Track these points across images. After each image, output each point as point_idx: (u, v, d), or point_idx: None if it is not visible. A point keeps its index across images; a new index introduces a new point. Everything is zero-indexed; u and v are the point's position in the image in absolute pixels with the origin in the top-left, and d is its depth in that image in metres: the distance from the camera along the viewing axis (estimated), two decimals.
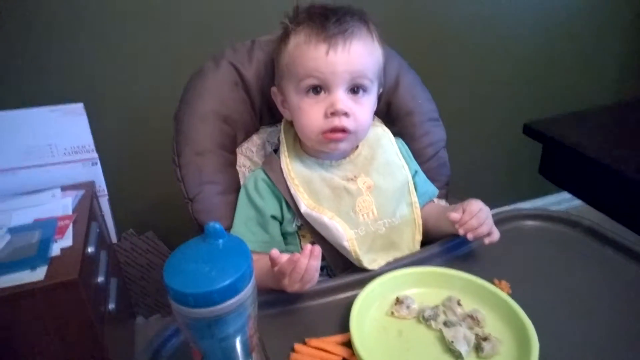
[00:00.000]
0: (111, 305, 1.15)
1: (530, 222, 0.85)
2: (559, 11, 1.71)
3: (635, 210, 0.96)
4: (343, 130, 0.75)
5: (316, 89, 0.75)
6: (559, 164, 1.11)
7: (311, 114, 0.75)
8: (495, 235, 0.74)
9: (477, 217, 0.72)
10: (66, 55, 1.26)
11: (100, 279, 1.10)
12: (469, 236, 0.72)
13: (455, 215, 0.72)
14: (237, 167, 0.89)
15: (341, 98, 0.73)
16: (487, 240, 0.73)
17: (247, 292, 0.48)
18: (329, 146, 0.77)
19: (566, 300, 0.67)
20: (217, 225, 0.50)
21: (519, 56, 1.75)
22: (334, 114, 0.74)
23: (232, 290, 0.47)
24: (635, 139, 1.08)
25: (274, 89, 0.84)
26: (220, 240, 0.50)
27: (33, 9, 1.18)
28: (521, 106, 1.83)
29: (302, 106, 0.76)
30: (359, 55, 0.73)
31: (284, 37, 0.78)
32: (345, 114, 0.74)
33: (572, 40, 1.80)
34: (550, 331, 0.59)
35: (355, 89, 0.75)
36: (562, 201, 2.06)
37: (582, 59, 1.86)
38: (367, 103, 0.78)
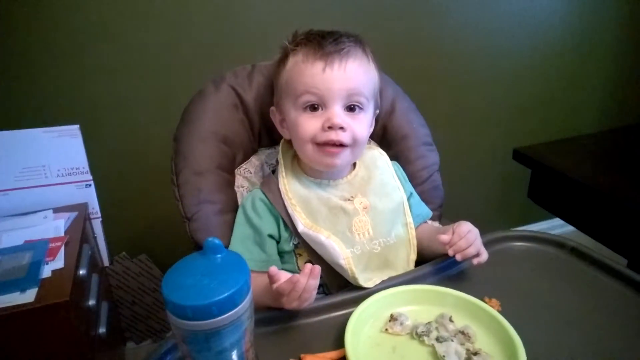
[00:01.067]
0: (102, 330, 1.13)
1: (518, 244, 0.87)
2: (549, 42, 1.79)
3: (619, 232, 0.99)
4: (340, 144, 0.77)
5: (314, 106, 0.77)
6: (547, 188, 1.15)
7: (308, 127, 0.77)
8: (484, 256, 0.76)
9: (465, 239, 0.74)
10: (63, 76, 1.28)
11: (92, 302, 1.08)
12: (458, 257, 0.74)
13: (445, 237, 0.74)
14: (235, 188, 0.91)
15: (338, 113, 0.76)
16: (475, 261, 0.75)
17: (245, 305, 0.49)
18: (325, 161, 0.78)
19: (553, 316, 0.69)
20: (217, 241, 0.51)
21: (510, 85, 1.81)
22: (330, 127, 0.76)
23: (230, 303, 0.48)
24: (621, 165, 1.12)
25: (272, 109, 0.86)
26: (219, 255, 0.52)
27: (29, 30, 1.21)
28: (512, 133, 1.88)
29: (300, 121, 0.78)
30: (354, 73, 0.76)
31: (283, 57, 0.81)
32: (342, 128, 0.76)
33: (560, 71, 1.87)
34: (538, 346, 0.61)
35: (351, 107, 0.77)
36: (553, 227, 2.09)
37: (571, 89, 1.93)
38: (364, 119, 0.80)
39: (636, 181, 1.01)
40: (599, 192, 0.96)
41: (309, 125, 0.77)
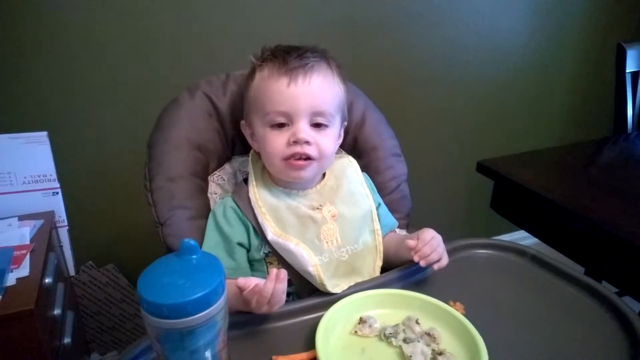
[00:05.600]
0: (67, 340, 1.11)
1: (482, 251, 0.91)
2: (512, 61, 1.87)
3: (577, 242, 1.04)
4: (307, 158, 0.79)
5: (280, 124, 0.79)
6: (508, 199, 1.20)
7: (274, 143, 0.79)
8: (444, 261, 0.79)
9: (429, 245, 0.77)
10: (32, 82, 1.26)
11: (57, 311, 1.06)
12: (422, 263, 0.77)
13: (411, 243, 0.77)
14: (209, 195, 0.92)
15: (303, 128, 0.78)
16: (436, 266, 0.78)
17: (219, 305, 0.51)
18: (293, 174, 0.81)
19: (513, 319, 0.73)
20: (192, 242, 0.53)
21: (475, 99, 1.89)
22: (296, 142, 0.78)
23: (205, 302, 0.49)
24: (579, 178, 1.18)
25: (243, 123, 0.88)
26: (194, 256, 0.53)
27: None
28: (478, 146, 1.95)
29: (267, 136, 0.80)
30: (319, 88, 0.78)
31: (251, 73, 0.83)
32: (307, 142, 0.78)
33: (523, 88, 1.95)
34: (499, 346, 0.64)
35: (317, 123, 0.80)
36: (516, 240, 2.15)
37: (533, 105, 2.02)
38: (330, 134, 0.82)
39: (593, 194, 1.07)
40: (558, 203, 1.01)
41: (276, 141, 0.79)
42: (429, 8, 1.64)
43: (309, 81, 0.77)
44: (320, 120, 0.79)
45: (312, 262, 0.78)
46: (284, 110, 0.77)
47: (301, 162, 0.79)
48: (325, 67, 0.80)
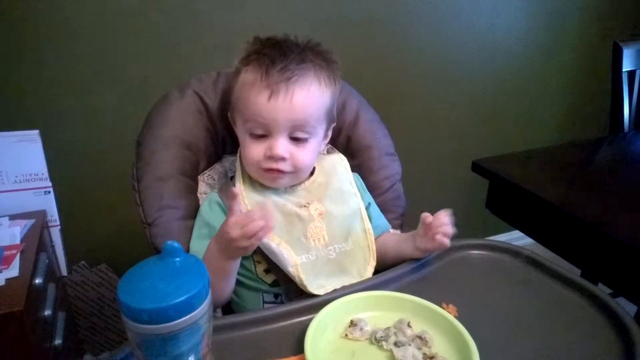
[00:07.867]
0: (58, 341, 1.10)
1: (476, 252, 0.89)
2: (509, 58, 1.86)
3: (573, 243, 1.03)
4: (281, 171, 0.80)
5: (259, 134, 0.79)
6: (504, 199, 1.19)
7: (252, 151, 0.80)
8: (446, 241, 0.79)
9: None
10: (24, 80, 1.25)
11: (47, 312, 1.05)
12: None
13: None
14: (198, 194, 0.90)
15: (280, 144, 0.77)
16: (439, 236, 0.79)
17: (203, 309, 0.49)
18: (268, 182, 0.83)
19: (507, 322, 0.71)
20: (175, 244, 0.51)
21: (471, 98, 1.87)
22: (271, 157, 0.78)
23: (188, 306, 0.48)
24: (575, 178, 1.17)
25: (229, 115, 0.87)
26: (177, 259, 0.51)
27: None
28: (473, 146, 1.93)
29: (246, 143, 0.81)
30: (301, 104, 0.76)
31: (236, 72, 0.81)
32: (282, 159, 0.78)
33: (518, 88, 1.94)
34: (492, 350, 0.63)
35: (296, 137, 0.79)
36: (512, 240, 2.14)
37: (530, 104, 2.01)
38: (309, 147, 0.81)
39: (589, 194, 1.06)
40: (553, 203, 1.00)
41: (254, 150, 0.79)
42: (425, 5, 1.63)
43: (290, 97, 0.75)
44: (299, 135, 0.79)
45: (292, 263, 0.77)
46: (263, 122, 0.77)
47: (275, 174, 0.80)
48: (311, 77, 0.78)
